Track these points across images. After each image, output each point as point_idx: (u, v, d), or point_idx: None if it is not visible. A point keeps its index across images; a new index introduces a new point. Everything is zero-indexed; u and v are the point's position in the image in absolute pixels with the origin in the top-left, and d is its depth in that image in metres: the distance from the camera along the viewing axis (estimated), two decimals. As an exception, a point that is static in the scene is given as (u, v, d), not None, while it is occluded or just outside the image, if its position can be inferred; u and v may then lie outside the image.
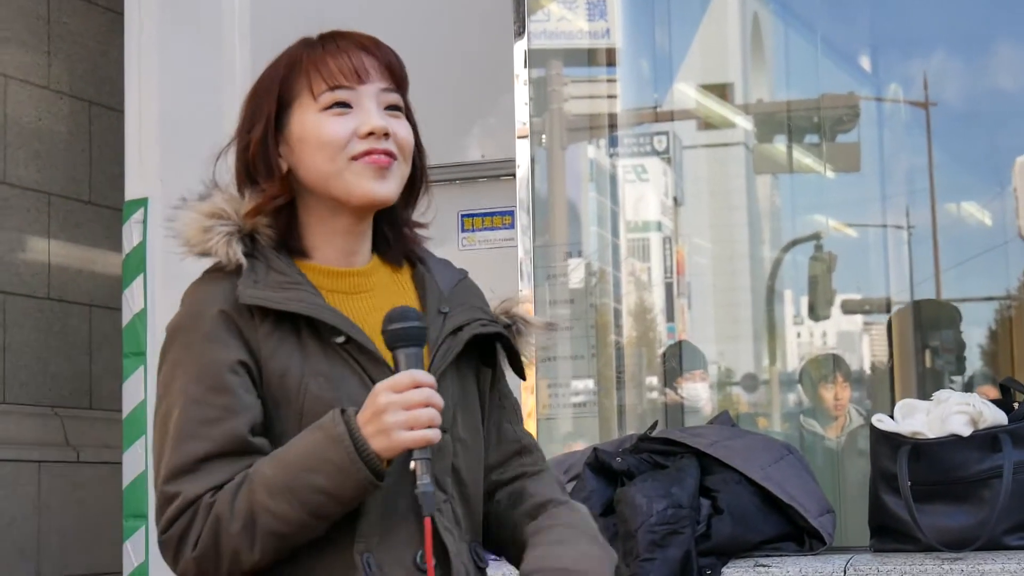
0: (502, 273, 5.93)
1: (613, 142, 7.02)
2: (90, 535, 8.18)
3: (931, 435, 3.91)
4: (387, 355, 2.45)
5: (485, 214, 6.48)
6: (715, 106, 7.28)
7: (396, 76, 2.61)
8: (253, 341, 2.44)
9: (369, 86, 2.55)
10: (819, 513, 4.15)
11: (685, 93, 7.03)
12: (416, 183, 2.71)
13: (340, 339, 2.46)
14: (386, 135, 2.52)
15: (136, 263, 6.88)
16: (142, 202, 6.91)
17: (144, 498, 6.73)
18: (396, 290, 2.63)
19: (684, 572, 3.82)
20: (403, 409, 2.32)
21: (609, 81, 6.85)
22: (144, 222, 6.87)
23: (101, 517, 8.06)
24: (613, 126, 6.99)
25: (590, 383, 6.38)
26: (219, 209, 2.53)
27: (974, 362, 6.27)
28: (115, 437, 7.15)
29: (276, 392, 2.45)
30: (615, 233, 6.92)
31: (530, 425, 5.61)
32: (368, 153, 2.51)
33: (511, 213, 5.89)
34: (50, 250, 8.43)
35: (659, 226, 7.75)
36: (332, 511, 2.34)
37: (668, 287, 7.63)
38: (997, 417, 3.90)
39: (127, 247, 6.94)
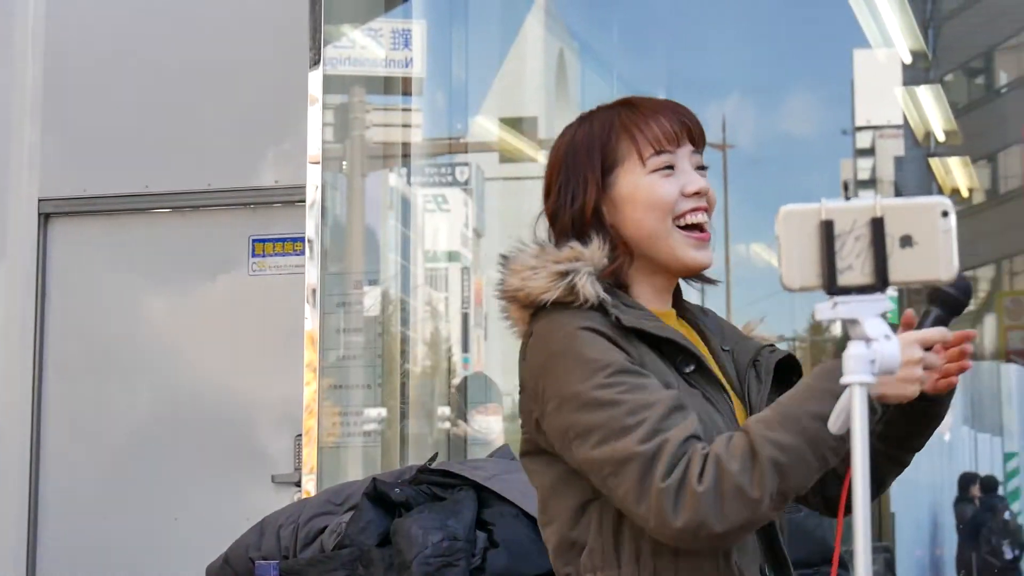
0: (292, 300, 5.90)
1: (414, 171, 7.04)
2: None
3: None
4: (724, 380, 2.68)
5: (277, 239, 6.44)
6: (515, 140, 7.33)
7: (701, 138, 2.77)
8: (635, 356, 2.59)
9: (684, 148, 2.72)
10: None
11: (485, 126, 7.08)
12: None
13: (690, 368, 2.64)
14: (703, 194, 2.71)
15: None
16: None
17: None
18: (685, 331, 2.76)
19: (459, 605, 3.81)
20: (920, 367, 2.41)
21: (410, 111, 6.86)
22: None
23: None
24: (413, 155, 7.01)
25: (384, 412, 6.37)
26: (577, 253, 2.66)
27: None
28: None
29: None
30: (412, 262, 6.93)
31: (312, 453, 5.59)
32: (694, 211, 2.69)
33: (302, 239, 5.86)
34: None
35: (458, 256, 7.78)
36: (828, 443, 2.41)
37: (465, 318, 7.66)
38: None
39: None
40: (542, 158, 7.21)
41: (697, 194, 2.69)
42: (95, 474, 6.55)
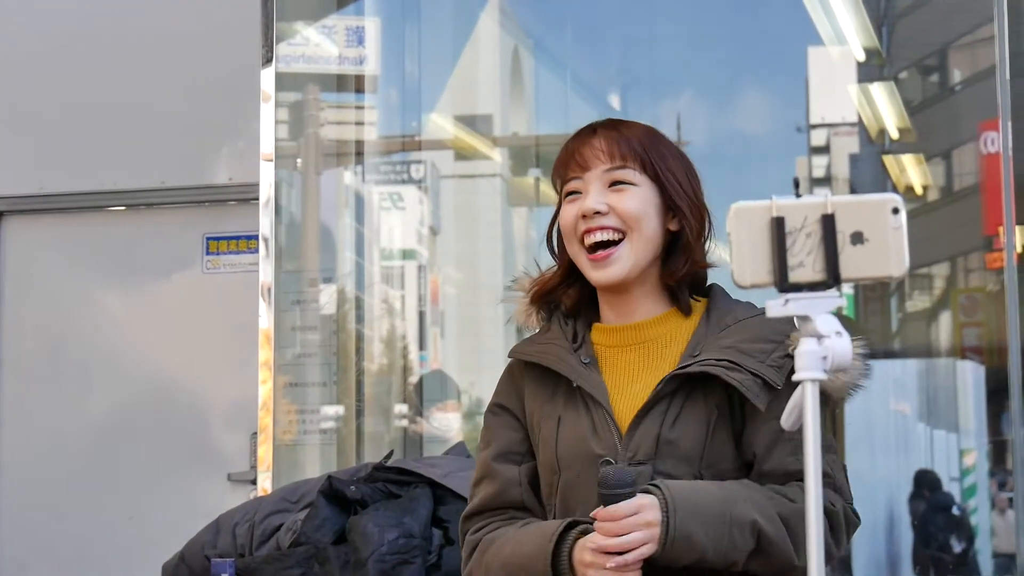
0: (247, 298, 5.88)
1: (368, 168, 7.02)
2: None
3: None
4: (617, 406, 2.78)
5: (231, 237, 6.42)
6: (469, 138, 7.33)
7: (618, 154, 2.83)
8: (521, 386, 2.92)
9: (594, 171, 2.84)
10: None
11: (439, 124, 7.07)
12: (683, 237, 2.86)
13: (574, 385, 2.82)
14: (597, 213, 2.80)
15: None
16: None
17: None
18: (670, 340, 2.84)
19: (415, 603, 3.81)
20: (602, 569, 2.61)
21: (363, 108, 6.85)
22: None
23: None
24: (368, 153, 6.99)
25: (341, 410, 6.36)
26: (521, 283, 2.98)
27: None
28: None
29: (533, 433, 2.90)
30: (368, 259, 6.92)
31: (268, 450, 5.58)
32: (588, 231, 2.81)
33: (256, 237, 5.85)
34: None
35: (414, 254, 7.77)
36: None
37: (421, 316, 7.65)
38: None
39: None
40: (497, 156, 7.23)
41: (585, 216, 2.80)
42: (50, 473, 6.52)
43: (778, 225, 2.21)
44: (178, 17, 6.48)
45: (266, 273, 5.72)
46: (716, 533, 2.59)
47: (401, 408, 7.05)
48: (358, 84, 6.79)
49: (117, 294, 6.59)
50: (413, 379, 7.28)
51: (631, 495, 2.60)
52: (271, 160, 5.58)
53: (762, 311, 2.55)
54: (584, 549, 2.63)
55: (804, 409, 2.21)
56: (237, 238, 6.41)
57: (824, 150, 8.86)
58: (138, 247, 6.52)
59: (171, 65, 6.47)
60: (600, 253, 2.80)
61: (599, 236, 2.80)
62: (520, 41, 7.25)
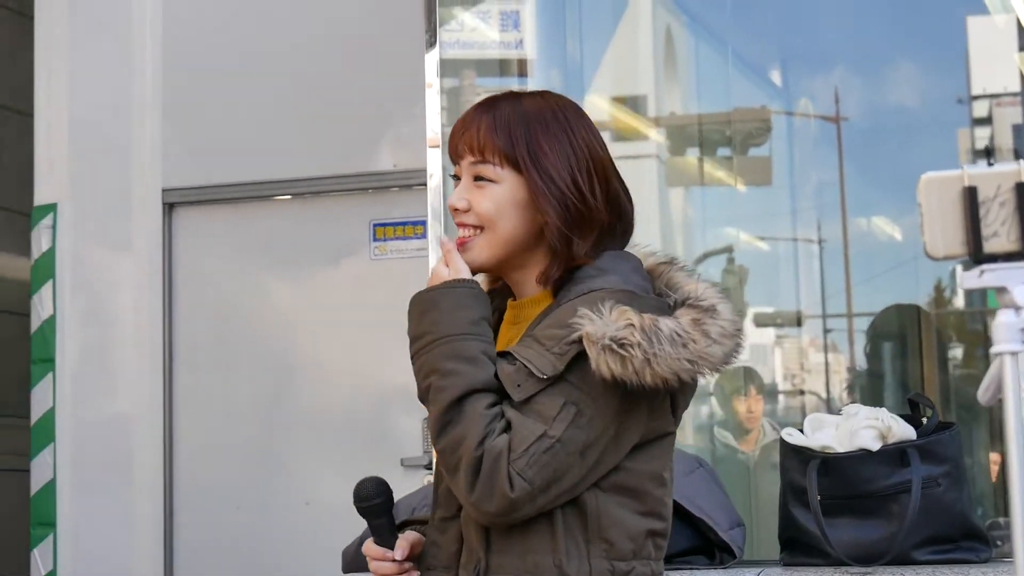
0: (415, 283, 5.90)
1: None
2: (-4, 543, 8.10)
3: (840, 449, 3.93)
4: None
5: (397, 223, 6.46)
6: (627, 118, 7.29)
7: (478, 148, 2.82)
8: None
9: (464, 161, 2.85)
10: (729, 526, 4.16)
11: (597, 105, 7.04)
12: (547, 233, 2.82)
13: None
14: (456, 210, 2.83)
15: (45, 269, 6.83)
16: (51, 207, 6.85)
17: (52, 506, 6.67)
18: (527, 323, 2.82)
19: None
20: None
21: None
22: (53, 227, 6.82)
23: (8, 525, 7.96)
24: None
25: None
26: None
27: (886, 376, 6.32)
28: (23, 444, 7.07)
29: None
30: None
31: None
32: (458, 226, 2.85)
33: (424, 223, 5.87)
34: (-43, 255, 8.34)
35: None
36: None
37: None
38: (905, 432, 3.92)
39: (36, 253, 6.89)
40: (654, 135, 7.18)
41: (456, 210, 2.83)
42: (226, 464, 6.60)
43: (970, 195, 2.17)
44: (340, 8, 6.52)
45: (433, 259, 5.74)
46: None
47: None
48: (514, 68, 6.79)
49: (286, 283, 6.66)
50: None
51: (380, 506, 2.82)
52: (437, 146, 5.58)
53: (595, 291, 2.66)
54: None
55: (1003, 384, 2.17)
56: (404, 224, 6.45)
57: (986, 121, 8.71)
58: (305, 235, 6.58)
59: (333, 54, 6.52)
60: (459, 238, 2.83)
61: (460, 232, 2.83)
62: (674, 18, 7.20)
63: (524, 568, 2.66)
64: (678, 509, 3.98)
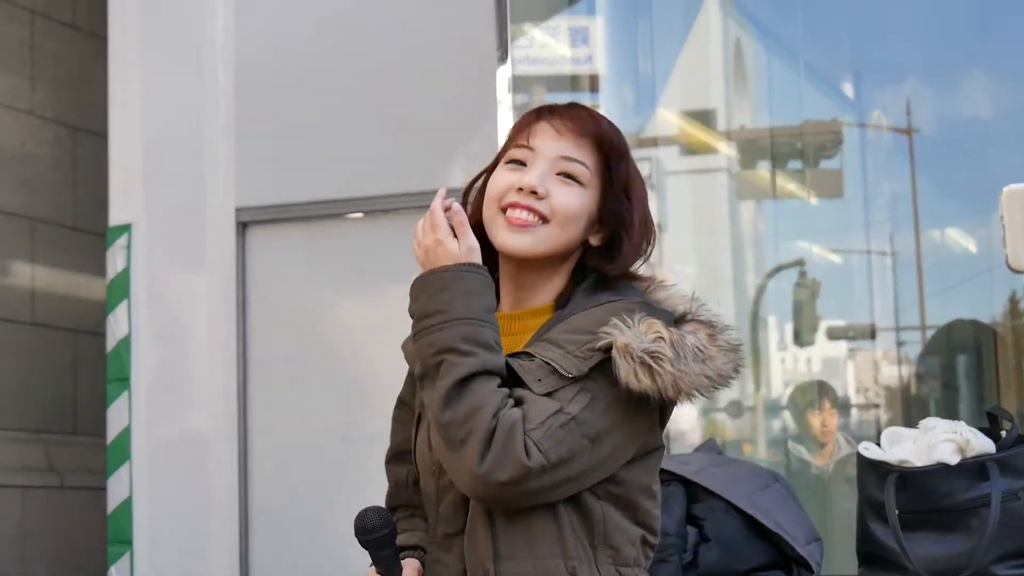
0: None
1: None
2: (74, 561, 8.15)
3: (918, 463, 3.90)
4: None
5: (471, 240, 6.47)
6: (698, 132, 7.29)
7: (586, 147, 2.73)
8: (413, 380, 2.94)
9: (549, 149, 2.72)
10: (807, 541, 4.14)
11: (667, 119, 7.04)
12: (600, 253, 2.78)
13: None
14: (534, 193, 2.68)
15: (120, 289, 6.87)
16: (126, 228, 6.90)
17: (129, 524, 6.71)
18: (526, 335, 2.75)
19: (671, 600, 3.80)
20: None
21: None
22: (128, 247, 6.86)
23: (85, 543, 8.02)
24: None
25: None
26: None
27: (960, 389, 6.28)
28: (99, 463, 7.12)
29: None
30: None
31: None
32: (513, 205, 2.69)
33: (495, 240, 5.87)
34: (34, 275, 8.40)
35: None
36: None
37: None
38: (984, 445, 3.89)
39: (111, 273, 6.93)
40: (725, 149, 7.17)
41: (521, 190, 2.69)
42: (302, 481, 6.61)
43: (1052, 207, 2.16)
44: (410, 26, 6.54)
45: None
46: None
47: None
48: (584, 83, 6.79)
49: (358, 300, 6.67)
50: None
51: (385, 537, 2.75)
52: (508, 163, 5.60)
53: (612, 300, 2.62)
54: None
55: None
56: (477, 240, 6.45)
57: (1062, 132, 8.66)
58: (377, 253, 6.59)
59: (404, 72, 6.53)
60: (520, 219, 2.70)
61: (522, 215, 2.70)
62: (744, 31, 7.19)
63: (535, 573, 2.64)
64: (755, 524, 3.97)
